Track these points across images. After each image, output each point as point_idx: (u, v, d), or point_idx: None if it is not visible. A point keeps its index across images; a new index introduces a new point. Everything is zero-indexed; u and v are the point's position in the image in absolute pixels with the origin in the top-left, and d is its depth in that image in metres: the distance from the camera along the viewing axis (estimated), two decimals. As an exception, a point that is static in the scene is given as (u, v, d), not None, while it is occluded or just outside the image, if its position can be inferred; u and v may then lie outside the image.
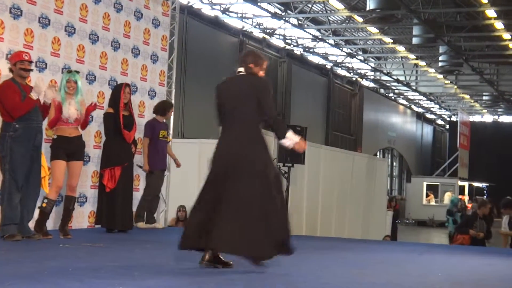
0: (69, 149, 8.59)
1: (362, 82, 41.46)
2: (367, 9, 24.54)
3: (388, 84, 43.76)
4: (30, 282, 5.10)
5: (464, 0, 24.83)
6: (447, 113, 54.79)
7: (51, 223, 9.12)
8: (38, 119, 8.22)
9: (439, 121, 59.48)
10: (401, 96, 48.27)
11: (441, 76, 39.69)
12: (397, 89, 45.49)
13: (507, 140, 45.55)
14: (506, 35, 28.59)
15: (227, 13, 26.89)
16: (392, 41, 32.36)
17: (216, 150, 6.30)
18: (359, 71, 39.52)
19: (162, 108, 11.16)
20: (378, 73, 40.44)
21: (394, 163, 49.08)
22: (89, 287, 5.04)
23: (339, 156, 17.88)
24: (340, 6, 25.89)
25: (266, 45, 30.53)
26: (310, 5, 26.46)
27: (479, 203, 13.67)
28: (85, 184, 10.30)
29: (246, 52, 7.08)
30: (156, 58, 11.88)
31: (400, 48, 33.71)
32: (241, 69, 6.40)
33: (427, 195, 39.12)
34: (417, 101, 50.35)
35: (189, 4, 24.84)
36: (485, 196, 39.88)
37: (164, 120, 11.28)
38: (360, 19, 27.62)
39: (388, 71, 39.03)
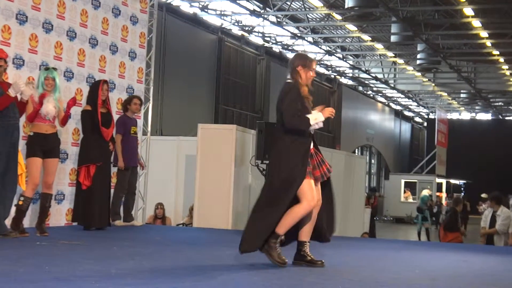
0: (45, 146, 8.56)
1: (340, 80, 41.56)
2: (346, 7, 24.59)
3: (366, 82, 43.91)
4: (6, 280, 5.06)
5: (442, -2, 24.98)
6: (425, 110, 55.11)
7: (28, 221, 9.07)
8: (15, 116, 8.16)
9: (417, 119, 59.81)
10: (379, 94, 48.47)
11: (419, 74, 39.87)
12: (375, 87, 45.66)
13: (484, 138, 45.90)
14: (483, 33, 28.78)
15: (206, 10, 26.88)
16: (370, 39, 32.48)
17: None
18: (337, 68, 39.61)
19: (124, 104, 11.09)
20: (356, 71, 40.54)
21: (372, 161, 49.28)
22: (66, 285, 5.02)
23: (317, 153, 17.85)
24: (318, 4, 25.94)
25: (244, 43, 30.54)
26: (288, 3, 26.47)
27: (453, 200, 13.77)
28: (63, 182, 10.26)
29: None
30: (134, 55, 11.85)
31: (379, 46, 33.85)
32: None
33: (405, 192, 39.33)
34: (395, 98, 50.57)
35: (168, 1, 24.77)
36: (462, 193, 40.16)
37: (135, 116, 11.20)
38: (338, 17, 27.69)
39: (367, 68, 39.16)
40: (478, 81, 40.90)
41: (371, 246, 10.16)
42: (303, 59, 6.58)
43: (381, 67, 40.01)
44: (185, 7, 26.23)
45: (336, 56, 36.01)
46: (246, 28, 29.88)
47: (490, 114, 53.25)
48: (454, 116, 53.05)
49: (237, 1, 25.89)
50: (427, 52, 32.80)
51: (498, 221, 12.44)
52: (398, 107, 53.76)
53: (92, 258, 6.64)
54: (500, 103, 49.96)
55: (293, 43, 33.08)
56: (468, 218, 14.34)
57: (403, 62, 37.58)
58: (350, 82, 43.81)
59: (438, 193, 39.16)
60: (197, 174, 12.59)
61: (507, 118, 53.41)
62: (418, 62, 35.31)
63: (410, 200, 38.44)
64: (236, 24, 29.14)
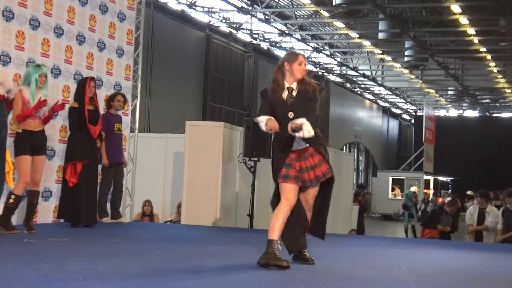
0: (34, 143, 8.52)
1: (328, 77, 41.59)
2: (333, 4, 24.63)
3: (354, 79, 43.97)
4: (-6, 277, 5.05)
5: (429, -5, 25.06)
6: (413, 107, 55.22)
7: (15, 218, 9.03)
8: (3, 113, 8.12)
9: (405, 116, 59.93)
10: (367, 91, 48.55)
11: (407, 71, 39.98)
12: (363, 84, 45.74)
13: (471, 135, 46.00)
14: (470, 31, 28.88)
15: (194, 7, 26.82)
16: (358, 36, 32.54)
17: None
18: (325, 65, 39.64)
19: (107, 101, 11.02)
20: (344, 68, 40.62)
21: (360, 158, 49.35)
22: (53, 282, 5.01)
23: (305, 150, 17.86)
24: (306, 0, 25.97)
25: (232, 40, 30.52)
26: (276, 0, 26.48)
27: (447, 202, 13.83)
28: (50, 179, 10.22)
29: None
30: (121, 52, 11.82)
31: (366, 43, 33.91)
32: None
33: (393, 189, 39.43)
34: (383, 95, 50.67)
35: (155, -2, 24.73)
36: (450, 190, 40.23)
37: (121, 113, 11.16)
38: (326, 14, 27.72)
39: (354, 65, 39.23)
40: (466, 78, 41.05)
41: (359, 243, 10.19)
42: (288, 55, 6.65)
43: (368, 64, 40.08)
44: (173, 4, 26.17)
45: (324, 53, 36.06)
46: (234, 25, 29.86)
47: (477, 111, 53.42)
48: (441, 113, 53.18)
49: (225, -2, 25.88)
50: (414, 49, 32.90)
51: (488, 218, 12.44)
52: (386, 104, 53.85)
53: (80, 256, 6.63)
54: (487, 100, 50.15)
55: (281, 40, 33.09)
56: (459, 215, 14.37)
57: (390, 59, 37.67)
58: (337, 79, 43.85)
59: (425, 190, 39.27)
60: (185, 171, 12.58)
61: (494, 115, 53.60)
62: (405, 59, 35.41)
63: (398, 197, 38.53)
64: (224, 21, 29.10)
